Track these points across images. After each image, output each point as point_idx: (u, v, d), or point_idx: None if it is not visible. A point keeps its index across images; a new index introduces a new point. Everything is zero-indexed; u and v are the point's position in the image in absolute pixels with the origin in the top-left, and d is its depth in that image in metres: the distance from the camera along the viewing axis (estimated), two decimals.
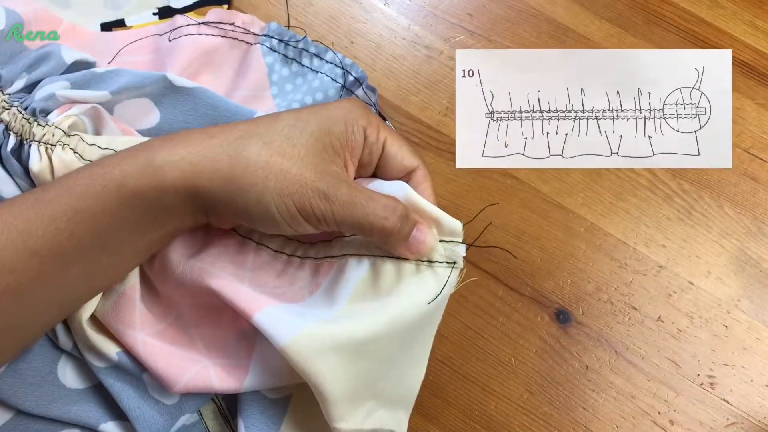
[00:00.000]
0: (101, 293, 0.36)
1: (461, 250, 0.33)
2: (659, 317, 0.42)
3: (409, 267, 0.33)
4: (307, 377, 0.32)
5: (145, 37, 0.45)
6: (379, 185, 0.35)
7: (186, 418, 0.37)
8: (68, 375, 0.37)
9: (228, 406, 0.39)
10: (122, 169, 0.31)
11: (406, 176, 0.35)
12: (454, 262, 0.33)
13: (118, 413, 0.37)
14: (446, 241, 0.33)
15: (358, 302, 0.32)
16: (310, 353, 0.31)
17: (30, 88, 0.38)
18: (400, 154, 0.35)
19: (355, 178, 0.36)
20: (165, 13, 0.46)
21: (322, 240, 0.36)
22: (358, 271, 0.33)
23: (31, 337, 0.34)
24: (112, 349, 0.35)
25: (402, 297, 0.32)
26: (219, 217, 0.33)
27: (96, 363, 0.36)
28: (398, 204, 0.32)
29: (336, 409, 0.32)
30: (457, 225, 0.33)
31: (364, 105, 0.35)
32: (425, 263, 0.33)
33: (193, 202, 0.32)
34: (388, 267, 0.33)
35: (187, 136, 0.32)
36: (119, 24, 0.46)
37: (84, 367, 0.37)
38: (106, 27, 0.46)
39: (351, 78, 0.43)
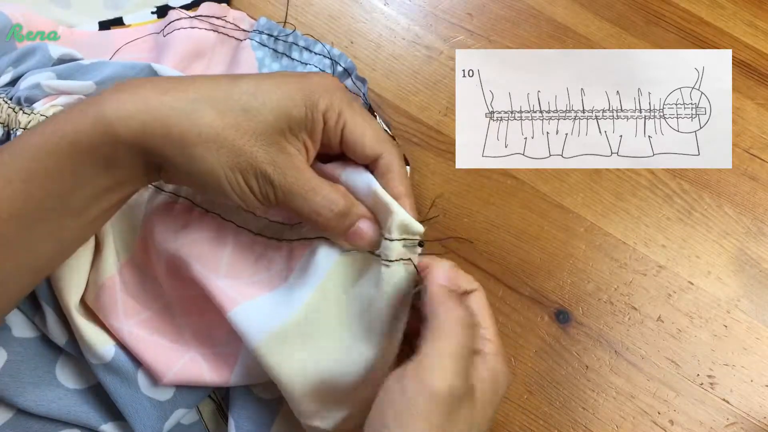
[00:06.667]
0: (86, 280, 0.36)
1: (418, 250, 0.33)
2: (659, 317, 0.42)
3: (374, 262, 0.33)
4: (272, 378, 0.33)
5: (143, 36, 0.45)
6: (350, 175, 0.34)
7: (182, 414, 0.37)
8: (67, 375, 0.37)
9: (228, 406, 0.39)
10: (73, 124, 0.30)
11: (372, 164, 0.34)
12: (410, 259, 0.33)
13: (118, 414, 0.37)
14: (405, 239, 0.33)
15: (325, 292, 0.33)
16: (275, 356, 0.32)
17: (16, 82, 0.38)
18: (361, 141, 0.33)
19: (329, 161, 0.35)
20: (163, 11, 0.46)
21: (299, 222, 0.36)
22: (328, 258, 0.34)
23: (7, 303, 0.33)
24: (107, 342, 0.36)
25: (363, 293, 0.33)
26: (170, 177, 0.33)
27: (92, 359, 0.36)
28: (339, 199, 0.32)
29: (301, 406, 0.33)
30: (417, 226, 0.33)
31: (330, 84, 0.33)
32: (387, 260, 0.32)
33: (144, 160, 0.31)
34: (357, 258, 0.34)
35: (139, 88, 0.31)
36: (117, 22, 0.46)
37: (83, 368, 0.37)
38: (104, 26, 0.46)
39: (340, 69, 0.43)
